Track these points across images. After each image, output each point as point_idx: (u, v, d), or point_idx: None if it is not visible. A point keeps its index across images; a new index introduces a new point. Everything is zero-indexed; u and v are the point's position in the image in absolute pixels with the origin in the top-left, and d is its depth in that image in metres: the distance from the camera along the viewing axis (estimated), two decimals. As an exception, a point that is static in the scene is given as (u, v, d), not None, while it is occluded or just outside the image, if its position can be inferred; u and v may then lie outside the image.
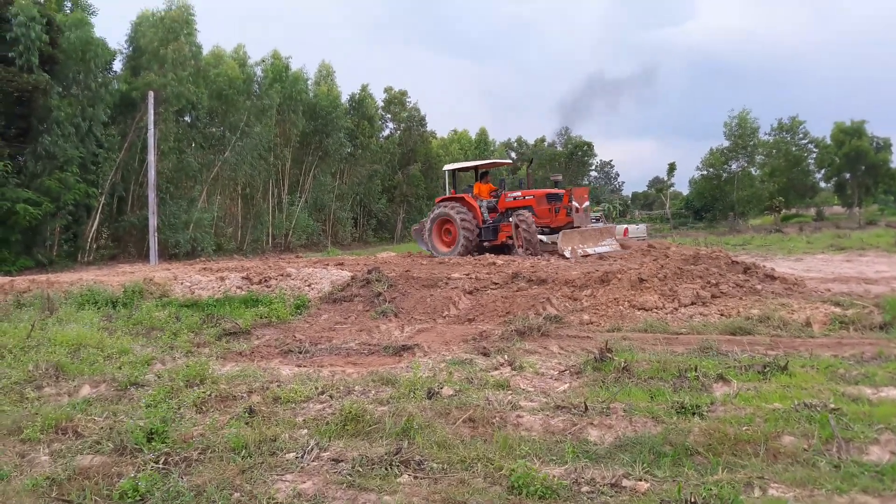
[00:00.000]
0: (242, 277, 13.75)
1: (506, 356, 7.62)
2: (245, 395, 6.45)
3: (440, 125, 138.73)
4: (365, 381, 6.89)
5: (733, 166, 55.94)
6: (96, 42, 27.89)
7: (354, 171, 51.87)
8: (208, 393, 6.31)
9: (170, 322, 10.91)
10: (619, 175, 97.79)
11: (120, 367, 8.06)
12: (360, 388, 6.55)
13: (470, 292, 11.26)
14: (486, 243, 17.09)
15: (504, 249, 16.96)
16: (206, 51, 36.73)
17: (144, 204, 29.40)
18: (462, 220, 16.71)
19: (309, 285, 12.90)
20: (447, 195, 18.32)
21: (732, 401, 5.66)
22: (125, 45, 32.55)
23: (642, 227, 30.42)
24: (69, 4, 28.84)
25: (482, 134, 71.16)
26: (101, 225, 31.34)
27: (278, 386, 6.72)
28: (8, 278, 16.31)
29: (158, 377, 7.33)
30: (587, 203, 16.82)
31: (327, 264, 15.76)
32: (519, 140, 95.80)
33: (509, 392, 6.21)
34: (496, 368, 7.21)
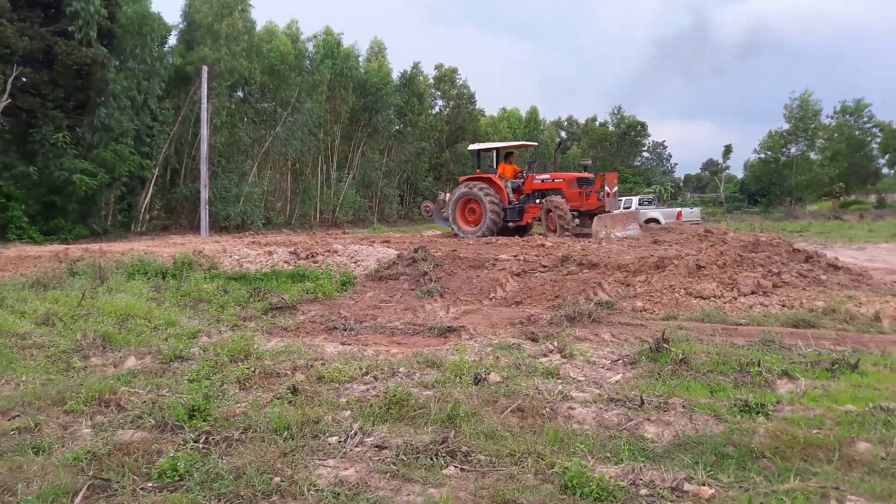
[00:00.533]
0: (290, 252, 13.76)
1: (555, 342, 7.35)
2: (289, 372, 6.35)
3: (489, 103, 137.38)
4: (409, 362, 6.73)
5: (792, 150, 53.90)
6: (153, 16, 28.20)
7: (402, 149, 51.73)
8: (252, 369, 6.23)
9: (217, 294, 10.95)
10: (671, 157, 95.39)
11: (166, 339, 8.08)
12: (405, 370, 6.39)
13: (517, 274, 10.99)
14: (510, 224, 17.25)
15: (522, 230, 17.38)
16: (259, 26, 36.94)
17: (197, 177, 29.82)
18: (489, 200, 16.78)
19: (355, 262, 12.82)
20: (472, 175, 18.32)
21: (800, 400, 5.31)
22: (180, 20, 32.92)
23: (696, 210, 29.54)
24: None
25: (532, 112, 70.10)
26: (155, 196, 31.95)
27: (322, 364, 6.60)
28: (63, 246, 16.69)
29: (203, 350, 7.30)
30: (616, 188, 17.18)
31: (373, 241, 15.68)
32: (570, 119, 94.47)
33: (559, 381, 5.96)
34: (545, 355, 6.95)
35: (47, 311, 8.96)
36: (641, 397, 5.20)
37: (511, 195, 17.41)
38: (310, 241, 15.72)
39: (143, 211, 30.61)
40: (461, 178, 18.45)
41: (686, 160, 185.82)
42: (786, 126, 54.10)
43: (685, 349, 6.68)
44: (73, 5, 24.25)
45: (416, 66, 52.40)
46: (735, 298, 9.27)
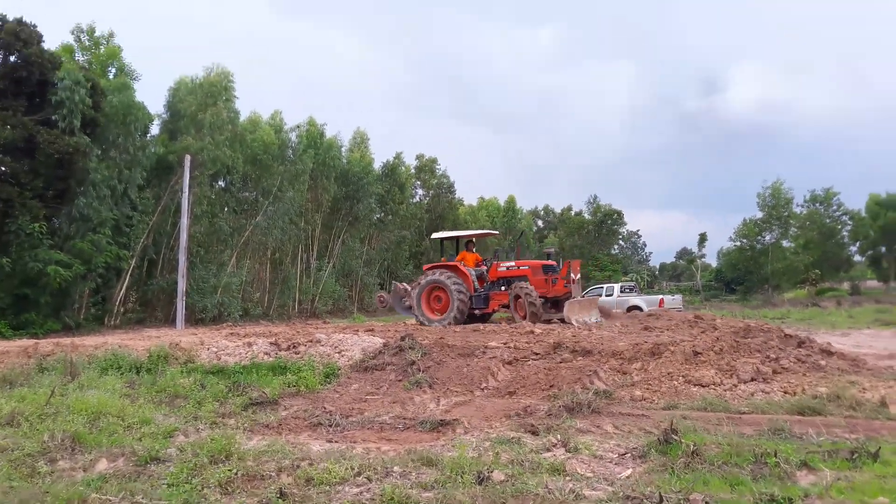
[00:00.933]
0: (270, 343, 13.30)
1: (557, 435, 6.95)
2: (274, 474, 5.88)
3: (468, 193, 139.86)
4: (403, 460, 6.28)
5: (767, 237, 54.92)
6: (137, 106, 28.42)
7: (383, 237, 51.83)
8: (234, 471, 5.75)
9: (194, 390, 10.42)
10: (646, 245, 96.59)
11: (140, 439, 7.54)
12: (400, 470, 5.94)
13: (509, 362, 10.65)
14: (476, 311, 17.36)
15: (485, 318, 17.72)
16: (243, 116, 37.49)
17: (174, 267, 29.35)
18: (456, 288, 16.91)
19: (339, 352, 12.38)
20: (436, 263, 18.57)
21: (828, 493, 4.96)
22: (163, 110, 33.28)
23: (678, 297, 29.58)
24: (112, 70, 29.57)
25: (510, 202, 71.10)
26: (130, 288, 31.28)
27: (310, 464, 6.13)
28: (32, 341, 16.04)
29: (181, 451, 6.78)
30: (579, 275, 17.68)
31: (357, 330, 15.27)
32: (546, 209, 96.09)
33: (568, 478, 5.55)
34: (548, 449, 6.55)
35: (12, 410, 8.39)
36: (660, 494, 4.83)
37: (476, 283, 17.60)
38: (291, 332, 15.26)
39: (117, 303, 29.87)
40: (425, 267, 18.65)
41: (660, 249, 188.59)
42: (759, 214, 55.41)
43: (695, 440, 6.33)
44: (58, 94, 24.41)
45: (398, 156, 53.34)
46: (735, 385, 8.99)
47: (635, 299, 27.98)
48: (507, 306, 16.97)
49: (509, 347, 11.16)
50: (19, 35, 24.46)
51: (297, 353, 12.70)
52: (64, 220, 26.01)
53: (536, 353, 10.73)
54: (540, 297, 16.45)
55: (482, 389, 9.99)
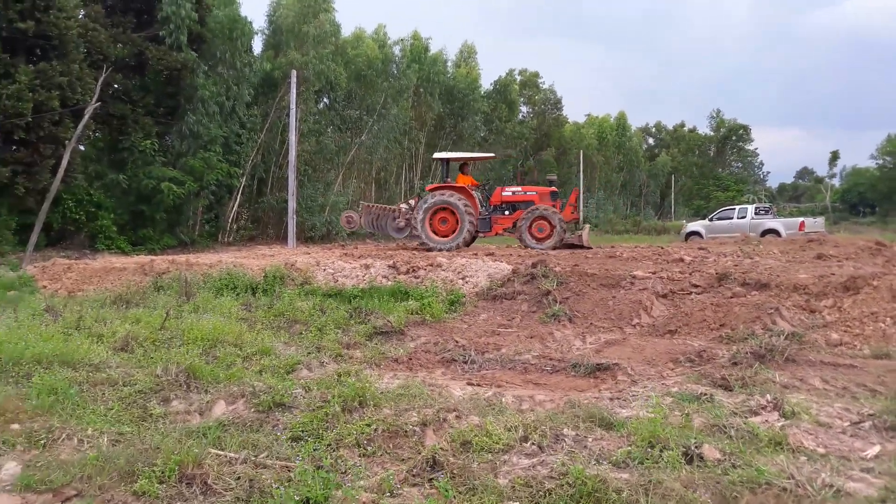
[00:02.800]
0: (388, 266, 12.40)
1: (761, 392, 5.56)
2: (417, 428, 4.86)
3: (573, 111, 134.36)
4: (570, 418, 5.11)
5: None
6: (241, 20, 27.79)
7: (488, 156, 50.28)
8: (372, 426, 4.77)
9: (314, 315, 9.68)
10: (763, 164, 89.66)
11: (260, 372, 6.77)
12: (572, 433, 4.77)
13: (664, 296, 9.21)
14: (481, 234, 17.29)
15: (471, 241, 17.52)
16: (347, 32, 36.41)
17: (283, 186, 29.22)
18: (466, 209, 16.40)
19: (463, 278, 11.31)
20: (440, 184, 17.81)
21: None
22: (265, 25, 32.58)
23: (819, 220, 26.59)
24: (217, -16, 28.97)
25: (621, 118, 67.27)
26: (242, 206, 31.57)
27: (457, 417, 5.08)
28: (148, 258, 15.95)
29: (307, 390, 5.92)
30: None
31: (475, 254, 14.16)
32: (658, 125, 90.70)
33: (803, 458, 4.20)
34: (754, 412, 5.18)
35: (127, 333, 7.84)
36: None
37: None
38: (408, 254, 14.33)
39: (230, 221, 30.22)
40: (428, 188, 18.16)
41: (776, 168, 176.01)
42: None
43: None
44: (164, 10, 23.98)
45: (510, 73, 51.00)
46: (964, 331, 7.21)
47: (772, 222, 25.31)
48: (510, 230, 16.80)
49: (662, 278, 9.68)
50: (126, -52, 24.01)
51: (416, 278, 11.74)
52: (175, 138, 26.09)
53: (696, 286, 9.22)
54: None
55: (633, 326, 8.66)
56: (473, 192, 17.25)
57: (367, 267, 12.49)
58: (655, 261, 11.78)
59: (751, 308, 8.11)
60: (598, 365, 6.83)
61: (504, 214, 16.92)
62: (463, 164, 18.40)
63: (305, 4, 31.36)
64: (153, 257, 16.17)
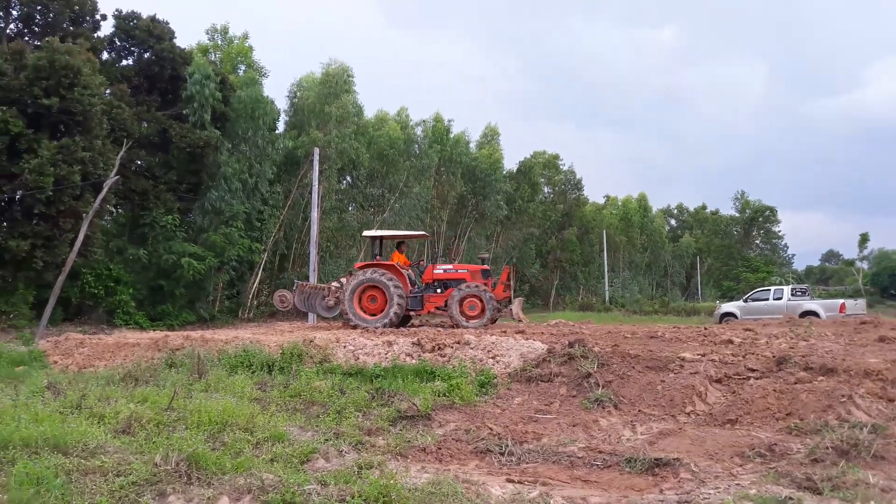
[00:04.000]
0: (412, 343, 11.68)
1: (855, 497, 4.70)
2: (455, 539, 4.06)
3: (591, 192, 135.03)
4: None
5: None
6: (265, 100, 28.23)
7: (510, 235, 49.98)
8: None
9: (333, 396, 8.93)
10: (787, 247, 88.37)
11: (272, 461, 6.02)
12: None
13: (718, 380, 8.35)
14: (412, 313, 17.02)
15: (406, 320, 17.47)
16: (370, 114, 36.99)
17: (305, 262, 28.92)
18: (395, 288, 16.09)
19: (493, 357, 10.54)
20: (369, 261, 17.68)
21: None
22: (287, 106, 33.16)
23: (861, 301, 25.55)
24: (242, 67, 29.64)
25: (642, 199, 67.22)
26: (263, 282, 31.23)
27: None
28: (162, 333, 15.41)
29: (323, 485, 5.15)
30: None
31: (504, 331, 13.40)
32: (679, 207, 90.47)
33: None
34: (858, 525, 4.32)
35: (130, 414, 7.16)
36: None
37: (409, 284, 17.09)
38: (433, 331, 13.61)
39: (251, 296, 29.80)
40: (357, 265, 17.92)
41: (800, 251, 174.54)
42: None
43: None
44: (189, 90, 24.36)
45: (535, 155, 51.55)
46: None
47: (810, 304, 24.27)
48: (441, 308, 16.53)
49: (714, 361, 8.84)
50: (152, 32, 24.73)
51: (443, 356, 10.99)
52: (197, 214, 26.04)
53: (753, 370, 8.37)
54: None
55: (687, 414, 7.80)
56: (404, 270, 17.08)
57: (389, 344, 11.77)
58: (701, 342, 10.96)
59: (820, 395, 7.24)
60: (655, 460, 5.98)
61: (436, 292, 16.80)
62: (400, 243, 18.36)
63: (327, 86, 31.93)
64: (167, 333, 15.62)
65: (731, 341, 10.50)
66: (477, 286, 16.20)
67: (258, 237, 28.47)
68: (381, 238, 18.36)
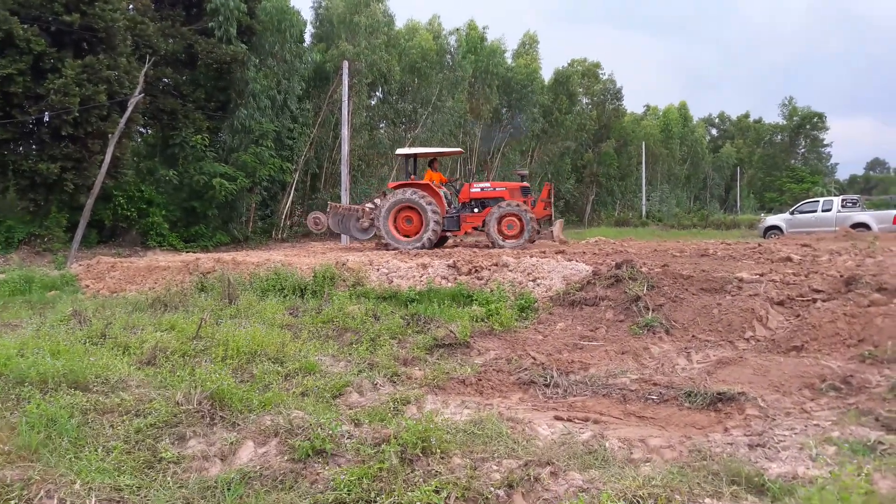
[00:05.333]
0: (448, 265, 11.19)
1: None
2: (502, 492, 3.61)
3: (631, 102, 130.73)
4: (703, 477, 3.80)
5: None
6: (291, 11, 26.95)
7: (546, 149, 48.54)
8: (442, 492, 3.54)
9: (366, 322, 8.53)
10: (831, 155, 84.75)
11: (302, 396, 5.66)
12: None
13: (780, 303, 7.70)
14: (448, 233, 16.60)
15: (442, 241, 17.12)
16: (400, 24, 35.36)
17: (337, 181, 28.38)
18: (431, 208, 15.49)
19: (533, 280, 9.99)
20: (403, 181, 16.81)
21: None
22: (312, 17, 31.71)
23: (918, 214, 24.20)
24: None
25: (682, 108, 64.48)
26: (295, 202, 30.86)
27: (552, 474, 3.81)
28: (194, 256, 15.17)
29: (356, 424, 4.76)
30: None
31: (543, 252, 12.82)
32: (721, 115, 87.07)
33: None
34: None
35: (156, 344, 6.85)
36: None
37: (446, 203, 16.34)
38: (469, 253, 13.09)
39: (283, 217, 29.53)
40: (390, 185, 17.20)
41: (843, 160, 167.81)
42: None
43: None
44: (213, 1, 23.31)
45: (572, 63, 49.03)
46: None
47: (860, 215, 23.07)
48: (479, 228, 15.99)
49: (775, 282, 8.16)
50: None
51: (480, 279, 10.49)
52: (226, 133, 25.46)
53: (819, 290, 7.68)
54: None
55: (747, 340, 7.21)
56: (441, 189, 16.35)
57: (424, 266, 11.30)
58: (757, 260, 10.25)
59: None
60: (718, 394, 5.44)
61: (473, 212, 16.24)
62: (432, 160, 17.46)
63: (357, -6, 30.37)
64: (199, 255, 15.40)
65: (789, 259, 9.77)
66: (517, 205, 15.55)
67: (289, 156, 27.83)
68: (415, 156, 17.68)
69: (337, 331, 8.34)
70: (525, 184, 16.80)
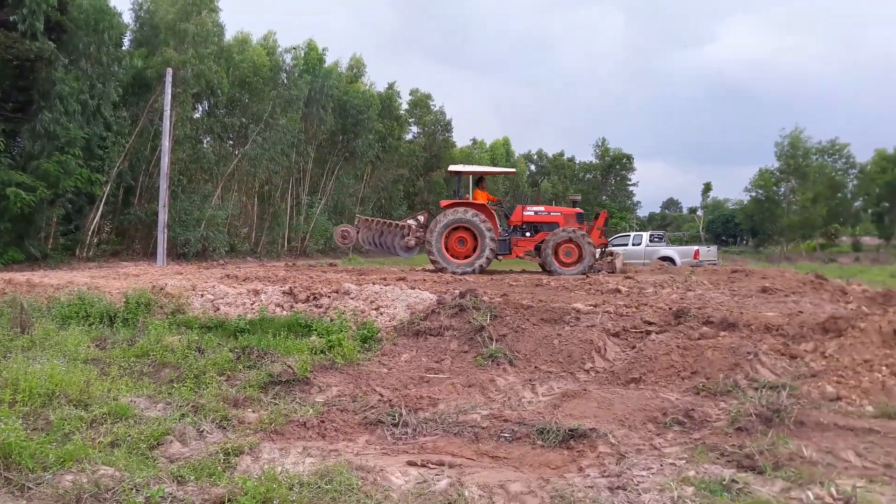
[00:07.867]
0: (283, 292, 10.44)
1: (800, 476, 4.26)
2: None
3: (459, 135, 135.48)
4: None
5: (781, 189, 52.34)
6: (110, 11, 24.54)
7: (380, 175, 48.57)
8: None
9: (189, 356, 7.62)
10: (634, 194, 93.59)
11: (112, 447, 4.80)
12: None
13: (615, 334, 7.92)
14: (499, 257, 15.75)
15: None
16: (229, 35, 33.65)
17: (153, 196, 26.18)
18: (488, 229, 14.95)
19: (377, 309, 9.57)
20: (456, 199, 16.05)
21: None
22: (132, 20, 29.24)
23: (713, 248, 26.93)
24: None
25: (506, 143, 67.84)
26: (105, 217, 27.99)
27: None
28: (-21, 276, 13.07)
29: (179, 483, 4.04)
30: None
31: (384, 279, 12.44)
32: (539, 153, 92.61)
33: None
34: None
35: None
36: None
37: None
38: (305, 278, 12.36)
39: (90, 233, 26.61)
40: (443, 203, 16.09)
41: (644, 198, 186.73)
42: (776, 164, 52.71)
43: None
44: (16, -8, 20.67)
45: (391, 86, 49.42)
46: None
47: (666, 249, 25.23)
48: (531, 254, 15.60)
49: (609, 313, 8.41)
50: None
51: (319, 307, 9.87)
52: (27, 137, 22.53)
53: (651, 323, 8.01)
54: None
55: (587, 371, 7.29)
56: (493, 209, 15.79)
57: (256, 293, 10.46)
58: (588, 290, 10.60)
59: (725, 353, 6.95)
60: (570, 430, 5.33)
61: (525, 236, 15.69)
62: (479, 179, 16.69)
63: (187, 1, 28.45)
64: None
65: (618, 290, 10.21)
66: (574, 231, 15.02)
67: (100, 167, 25.13)
68: (463, 174, 16.67)
69: (154, 366, 7.37)
70: (580, 210, 16.31)
